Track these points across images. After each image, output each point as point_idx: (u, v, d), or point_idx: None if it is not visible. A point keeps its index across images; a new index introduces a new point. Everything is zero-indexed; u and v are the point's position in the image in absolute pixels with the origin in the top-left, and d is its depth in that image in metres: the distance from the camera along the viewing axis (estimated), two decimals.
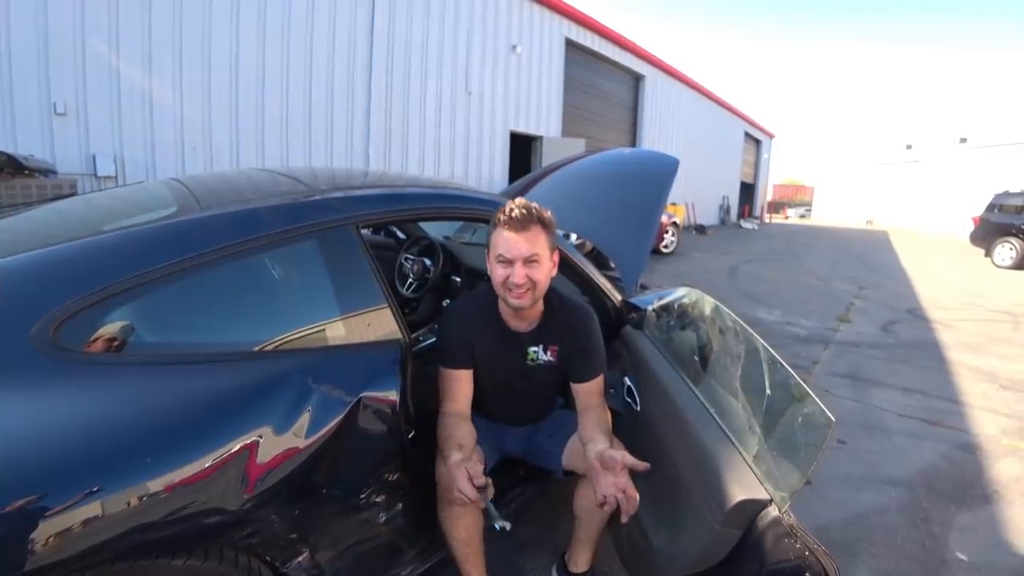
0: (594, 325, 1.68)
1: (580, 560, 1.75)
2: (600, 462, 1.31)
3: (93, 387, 1.02)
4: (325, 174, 1.92)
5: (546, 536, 2.08)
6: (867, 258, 13.16)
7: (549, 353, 1.65)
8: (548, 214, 1.51)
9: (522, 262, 1.45)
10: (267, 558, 1.22)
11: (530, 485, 1.88)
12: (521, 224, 1.44)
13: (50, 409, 0.97)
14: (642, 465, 1.26)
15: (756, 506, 1.21)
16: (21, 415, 0.94)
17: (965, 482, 2.71)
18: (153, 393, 1.06)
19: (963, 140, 25.43)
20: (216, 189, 1.64)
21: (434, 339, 2.14)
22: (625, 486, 1.24)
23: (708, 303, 1.81)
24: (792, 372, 1.27)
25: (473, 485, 1.23)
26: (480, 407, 1.68)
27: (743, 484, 1.24)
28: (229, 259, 1.24)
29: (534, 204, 1.50)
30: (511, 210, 1.45)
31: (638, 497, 1.23)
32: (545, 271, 1.49)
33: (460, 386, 1.58)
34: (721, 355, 1.63)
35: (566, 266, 1.86)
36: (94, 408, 1.00)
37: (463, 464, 1.30)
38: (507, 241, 1.45)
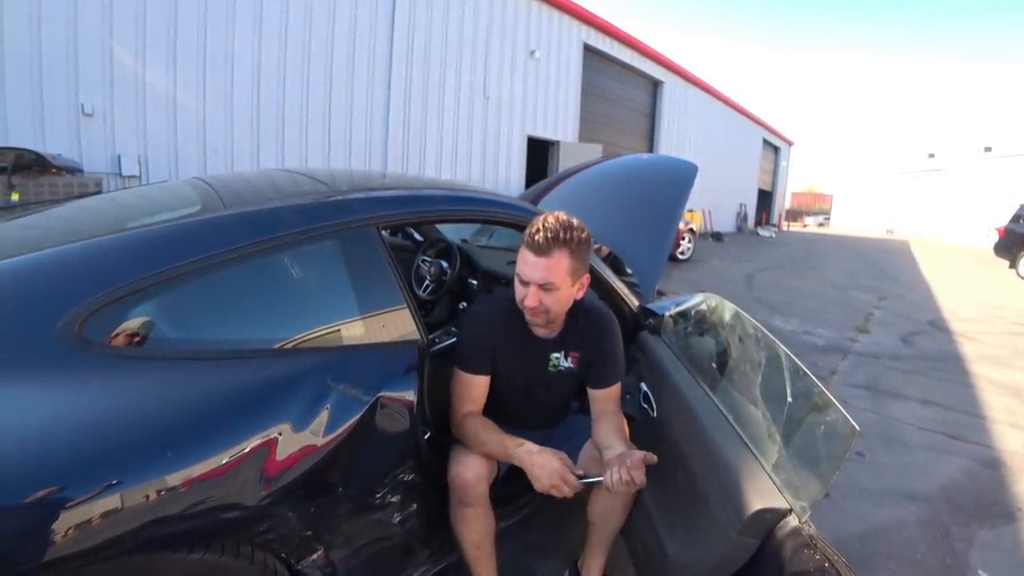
0: (616, 331, 1.68)
1: (593, 566, 1.74)
2: (619, 459, 1.33)
3: (117, 381, 1.04)
4: (346, 175, 1.94)
5: (558, 541, 2.07)
6: (887, 268, 12.96)
7: (570, 360, 1.64)
8: (583, 234, 1.45)
9: (537, 286, 1.44)
10: (282, 555, 1.22)
11: None
12: (541, 249, 1.40)
13: (75, 402, 0.99)
14: (653, 458, 1.31)
15: (775, 515, 1.20)
16: (46, 407, 0.96)
17: (987, 498, 2.64)
18: (176, 388, 1.08)
19: (987, 149, 24.95)
20: (239, 188, 1.66)
21: (450, 341, 2.15)
22: (636, 475, 1.29)
23: (728, 309, 1.80)
24: (816, 380, 1.25)
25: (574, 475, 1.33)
26: (494, 412, 1.68)
27: (762, 493, 1.22)
28: (252, 257, 1.25)
29: (573, 221, 1.44)
30: (536, 231, 1.41)
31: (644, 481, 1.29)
32: (561, 298, 1.47)
33: (477, 390, 1.58)
34: (740, 362, 1.61)
35: None
36: (118, 402, 1.02)
37: (556, 458, 1.36)
38: (526, 262, 1.44)
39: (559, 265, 1.42)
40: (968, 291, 9.81)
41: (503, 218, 1.81)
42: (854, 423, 1.10)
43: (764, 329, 1.52)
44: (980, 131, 26.65)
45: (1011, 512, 2.54)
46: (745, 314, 1.70)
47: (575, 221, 1.46)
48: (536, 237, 1.41)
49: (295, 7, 7.09)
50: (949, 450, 3.15)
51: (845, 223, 34.64)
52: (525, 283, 1.45)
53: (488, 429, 1.50)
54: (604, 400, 1.62)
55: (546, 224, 1.42)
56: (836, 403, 1.17)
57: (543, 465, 1.34)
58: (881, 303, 7.91)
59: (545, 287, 1.43)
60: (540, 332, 1.61)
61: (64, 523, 0.90)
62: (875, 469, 2.85)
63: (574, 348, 1.64)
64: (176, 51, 6.10)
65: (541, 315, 1.49)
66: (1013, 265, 12.45)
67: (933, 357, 5.17)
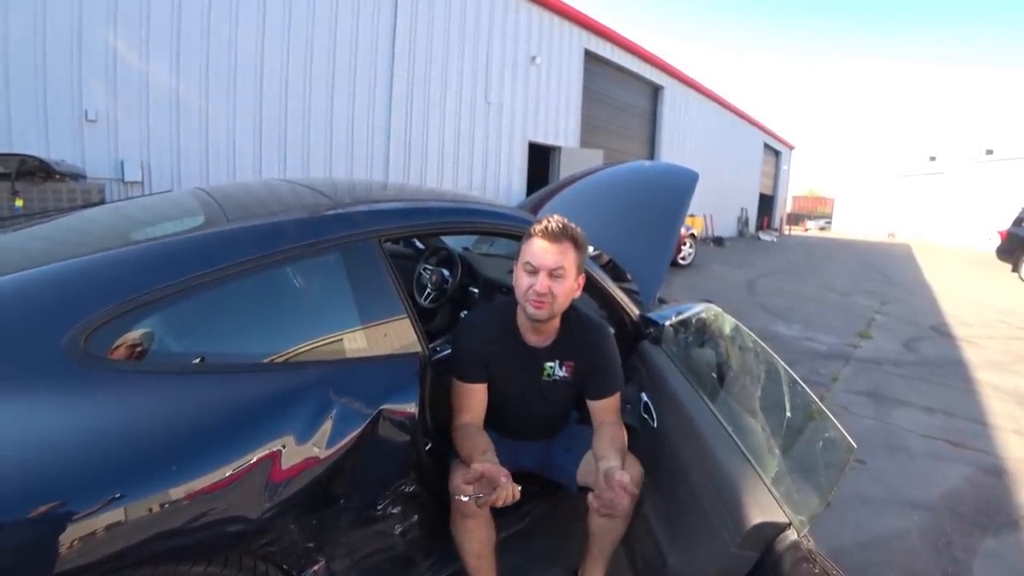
0: (611, 342, 1.68)
1: None
2: (604, 478, 1.33)
3: (122, 395, 1.05)
4: (348, 186, 1.95)
5: (558, 551, 2.06)
6: (889, 272, 12.94)
7: (565, 369, 1.65)
8: (582, 235, 1.54)
9: (547, 273, 1.47)
10: (284, 566, 1.23)
11: (543, 499, 1.87)
12: (554, 236, 1.48)
13: (80, 417, 0.99)
14: (633, 495, 1.33)
15: (774, 529, 1.20)
16: (52, 422, 0.97)
17: (990, 507, 2.64)
18: (180, 402, 1.09)
19: (989, 152, 24.94)
20: (242, 201, 1.67)
21: (449, 350, 2.15)
22: (618, 506, 1.28)
23: (728, 322, 1.80)
24: (813, 396, 1.26)
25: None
26: (494, 421, 1.68)
27: (761, 506, 1.22)
28: (256, 271, 1.26)
29: (571, 224, 1.53)
30: (547, 223, 1.50)
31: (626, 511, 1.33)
32: (567, 288, 1.51)
33: (475, 399, 1.59)
34: (740, 374, 1.62)
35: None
36: (123, 416, 1.03)
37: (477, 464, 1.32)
38: (537, 250, 1.49)
39: (569, 254, 1.49)
40: (970, 295, 9.78)
41: (504, 229, 1.83)
42: (851, 440, 1.10)
43: (763, 343, 1.53)
44: (981, 134, 26.69)
45: (1014, 521, 2.53)
46: (744, 327, 1.70)
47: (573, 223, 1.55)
48: (550, 227, 1.49)
49: (298, 13, 7.12)
50: (952, 458, 3.14)
51: (847, 227, 34.59)
52: (535, 271, 1.49)
53: (469, 439, 1.50)
54: (602, 411, 1.63)
55: (553, 219, 1.51)
56: (833, 419, 1.17)
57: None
58: (883, 308, 7.90)
59: (555, 273, 1.48)
60: (533, 340, 1.63)
61: (68, 537, 0.90)
62: (877, 477, 2.84)
63: (568, 357, 1.65)
64: (179, 56, 6.13)
65: (547, 305, 1.50)
66: (1016, 269, 12.41)
67: (936, 363, 5.16)
